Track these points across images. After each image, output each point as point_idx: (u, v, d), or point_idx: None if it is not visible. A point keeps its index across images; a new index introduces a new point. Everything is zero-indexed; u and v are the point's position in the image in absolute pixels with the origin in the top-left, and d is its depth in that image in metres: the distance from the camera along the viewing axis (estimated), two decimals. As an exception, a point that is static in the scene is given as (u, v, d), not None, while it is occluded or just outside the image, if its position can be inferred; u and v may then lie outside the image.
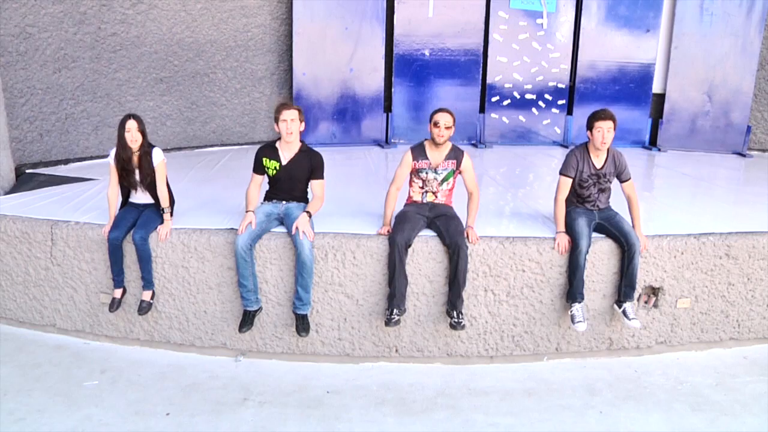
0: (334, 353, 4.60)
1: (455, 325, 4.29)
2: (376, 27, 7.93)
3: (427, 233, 4.49)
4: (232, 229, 4.53)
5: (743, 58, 8.32)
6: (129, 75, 7.16)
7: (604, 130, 4.42)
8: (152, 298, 4.57)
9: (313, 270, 4.36)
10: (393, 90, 8.15)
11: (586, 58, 8.35)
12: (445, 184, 4.56)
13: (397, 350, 4.60)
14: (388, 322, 4.26)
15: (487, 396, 4.23)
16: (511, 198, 5.75)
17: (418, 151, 4.51)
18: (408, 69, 8.11)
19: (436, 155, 4.49)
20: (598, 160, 4.55)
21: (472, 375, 4.49)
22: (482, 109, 8.38)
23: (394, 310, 4.25)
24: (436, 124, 4.39)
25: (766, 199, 5.83)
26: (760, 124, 8.68)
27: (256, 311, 4.46)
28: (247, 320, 4.42)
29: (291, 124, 4.35)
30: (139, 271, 4.51)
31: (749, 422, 3.96)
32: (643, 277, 4.60)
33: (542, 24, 8.21)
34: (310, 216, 4.35)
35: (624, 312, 4.47)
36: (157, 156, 4.48)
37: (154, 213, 4.54)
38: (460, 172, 4.55)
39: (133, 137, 4.38)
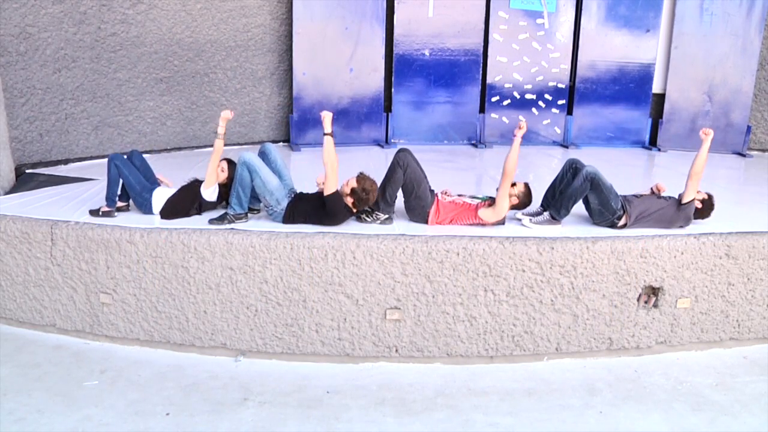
0: (334, 353, 4.60)
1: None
2: (376, 27, 7.93)
3: (427, 233, 4.49)
4: (231, 229, 4.54)
5: (743, 58, 8.30)
6: (129, 75, 7.16)
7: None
8: (107, 211, 4.86)
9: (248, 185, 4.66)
10: (393, 90, 8.14)
11: (586, 58, 8.33)
12: (459, 198, 4.92)
13: (397, 350, 4.60)
14: None
15: (487, 396, 4.23)
16: (511, 198, 5.73)
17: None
18: (408, 69, 8.10)
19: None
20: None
21: (472, 375, 4.49)
22: (482, 109, 8.36)
23: None
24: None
25: (766, 199, 5.83)
26: (760, 124, 8.68)
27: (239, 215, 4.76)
28: (223, 218, 4.73)
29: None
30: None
31: (749, 422, 3.97)
32: (643, 277, 4.60)
33: (542, 24, 8.20)
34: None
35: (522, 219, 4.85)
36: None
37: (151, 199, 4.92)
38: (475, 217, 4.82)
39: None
